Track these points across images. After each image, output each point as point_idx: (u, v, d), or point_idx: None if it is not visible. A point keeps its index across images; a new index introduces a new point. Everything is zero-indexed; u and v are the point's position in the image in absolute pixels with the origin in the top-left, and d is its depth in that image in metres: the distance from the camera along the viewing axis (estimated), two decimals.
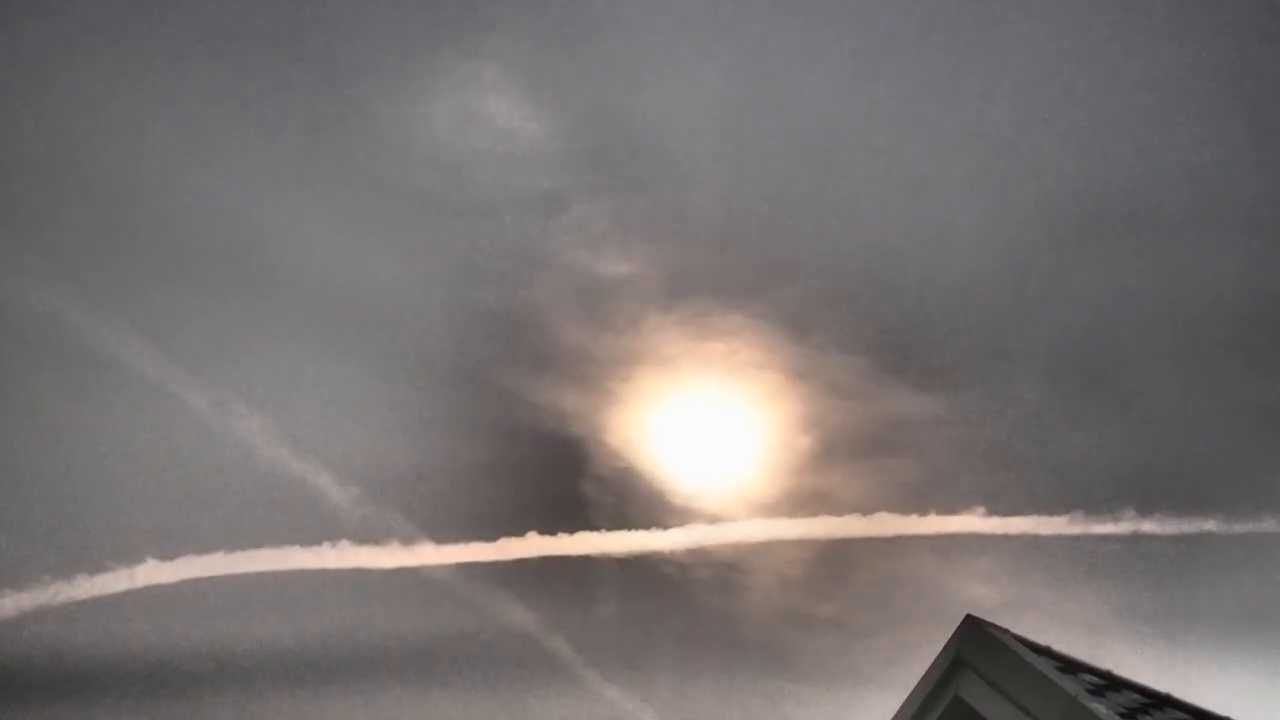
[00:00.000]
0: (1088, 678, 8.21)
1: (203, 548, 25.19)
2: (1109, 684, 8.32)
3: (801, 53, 25.02)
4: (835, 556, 26.99)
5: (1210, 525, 24.82)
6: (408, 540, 25.91)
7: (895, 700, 9.01)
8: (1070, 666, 8.27)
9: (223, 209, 25.13)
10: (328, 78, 25.02)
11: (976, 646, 8.32)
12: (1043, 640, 8.51)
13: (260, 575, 25.43)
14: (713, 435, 26.70)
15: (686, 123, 25.51)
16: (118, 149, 24.79)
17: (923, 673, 8.79)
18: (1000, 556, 26.15)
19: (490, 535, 26.08)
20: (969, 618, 8.54)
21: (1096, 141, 24.80)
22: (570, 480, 27.01)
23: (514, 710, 25.98)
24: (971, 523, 25.73)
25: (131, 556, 24.84)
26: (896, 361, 26.62)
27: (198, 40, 24.54)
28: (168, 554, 25.02)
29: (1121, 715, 7.52)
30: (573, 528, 26.15)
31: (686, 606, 26.93)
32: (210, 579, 25.25)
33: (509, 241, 26.11)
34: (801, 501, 26.50)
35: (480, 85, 24.99)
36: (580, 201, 25.91)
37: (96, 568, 24.68)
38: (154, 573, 24.94)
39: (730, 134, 25.60)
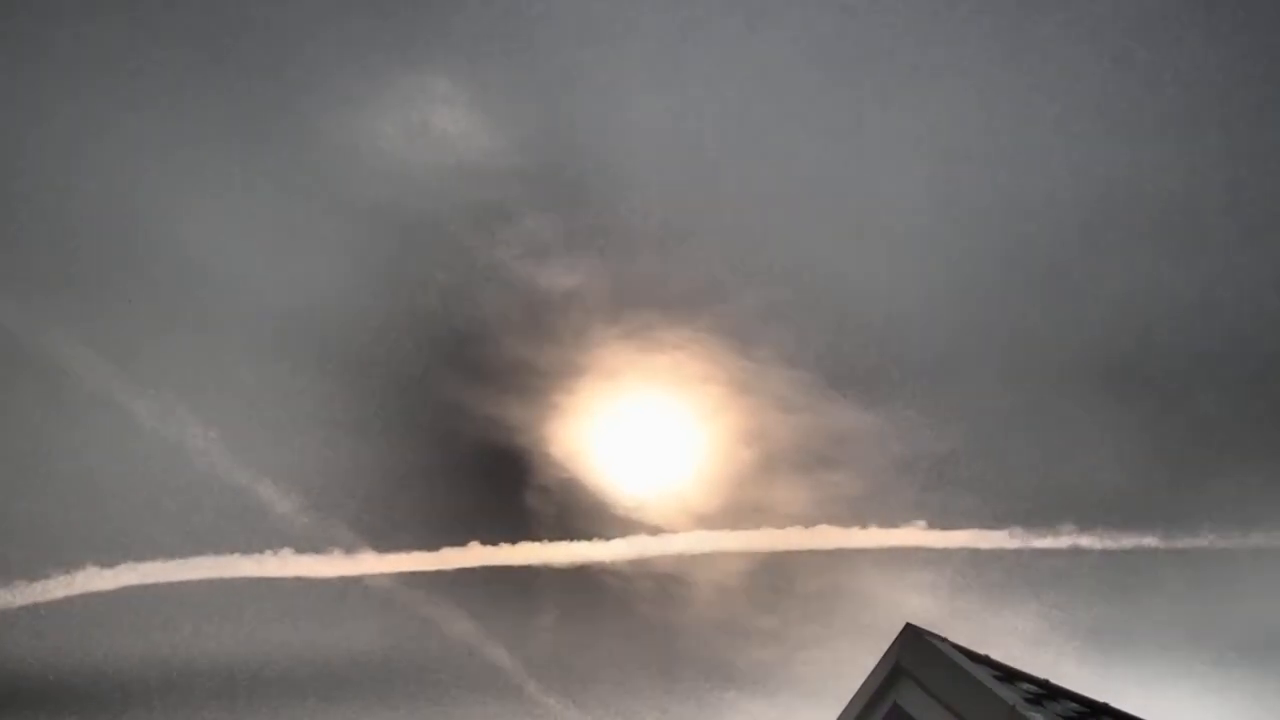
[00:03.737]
0: (1026, 687, 8.23)
1: (143, 555, 24.96)
2: (1047, 693, 8.34)
3: (750, 68, 25.12)
4: (777, 568, 27.04)
5: (1149, 540, 25.07)
6: (349, 549, 25.78)
7: (835, 711, 9.01)
8: (1008, 675, 8.28)
9: (166, 220, 24.90)
10: (271, 88, 24.87)
11: (916, 655, 8.33)
12: (982, 652, 8.53)
13: (201, 583, 25.20)
14: (656, 447, 26.72)
15: (634, 137, 25.52)
16: (58, 160, 24.53)
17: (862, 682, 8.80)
18: (941, 570, 26.29)
19: (432, 545, 25.98)
20: (908, 626, 8.55)
21: (1045, 156, 25.03)
22: (513, 491, 26.96)
23: (453, 719, 25.89)
24: (912, 536, 25.87)
25: (71, 563, 24.62)
26: (840, 376, 26.71)
27: (138, 50, 24.32)
28: (107, 561, 24.77)
29: None
30: (515, 538, 26.10)
31: (628, 617, 26.92)
32: (150, 586, 25.03)
33: (454, 253, 26.05)
34: (743, 514, 26.55)
35: (426, 97, 24.91)
36: (526, 213, 25.86)
37: (35, 574, 24.43)
38: (93, 580, 24.69)
39: (677, 148, 25.63)
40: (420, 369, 26.60)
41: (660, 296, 26.18)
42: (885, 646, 8.68)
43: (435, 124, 25.06)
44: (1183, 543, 24.96)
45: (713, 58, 25.18)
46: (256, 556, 25.32)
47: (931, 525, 25.71)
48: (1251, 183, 24.12)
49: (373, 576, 26.02)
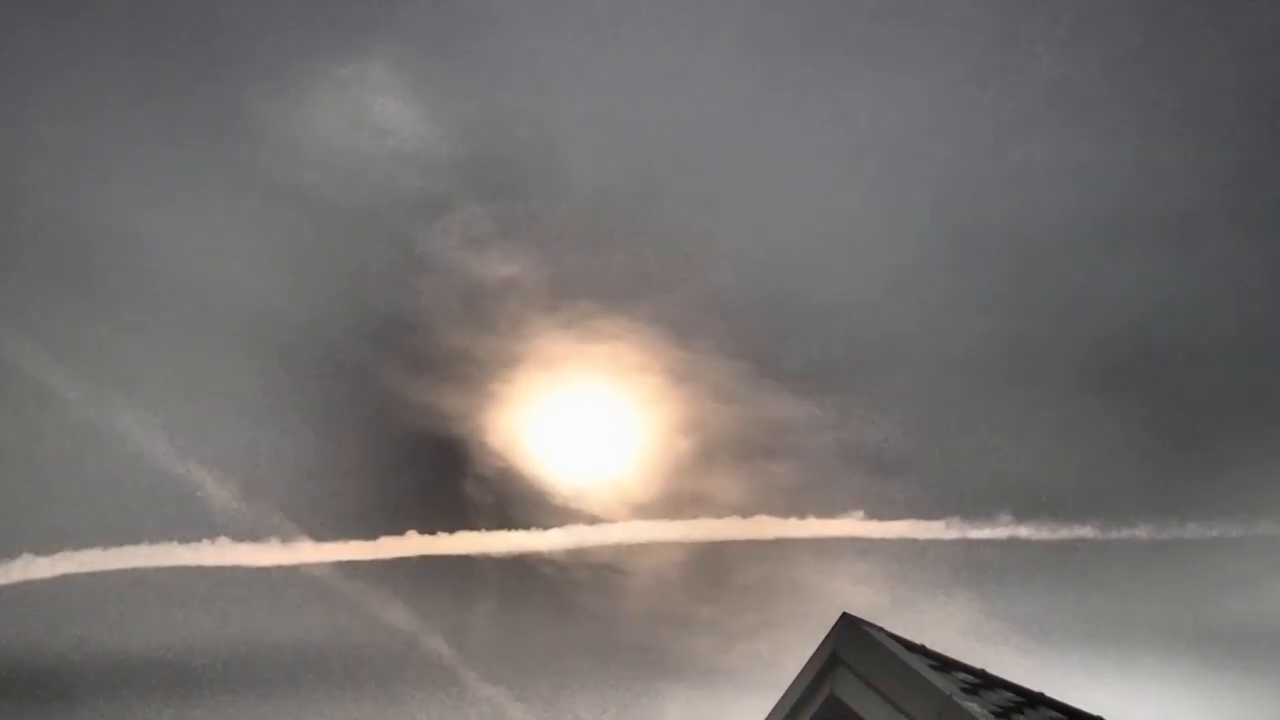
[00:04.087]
0: (962, 676, 8.20)
1: (80, 543, 24.77)
2: (983, 683, 8.32)
3: (690, 57, 25.06)
4: (714, 558, 27.08)
5: (1086, 531, 25.27)
6: (287, 538, 25.64)
7: (772, 700, 8.95)
8: (945, 665, 8.26)
9: (103, 209, 24.75)
10: (210, 78, 24.65)
11: (852, 644, 8.29)
12: (919, 642, 8.50)
13: (138, 571, 25.09)
14: (593, 437, 26.70)
15: (572, 126, 25.46)
16: None
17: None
18: (878, 560, 26.41)
19: (370, 534, 25.89)
20: (845, 616, 8.51)
21: (983, 150, 25.14)
22: (450, 480, 26.89)
23: (392, 710, 25.77)
24: (850, 526, 25.95)
25: (7, 551, 24.42)
26: (778, 366, 26.78)
27: (78, 42, 24.08)
28: (44, 549, 24.59)
29: (995, 714, 7.50)
30: (453, 527, 26.01)
31: (565, 607, 26.86)
32: (87, 575, 24.86)
33: (391, 242, 25.93)
34: (681, 503, 26.56)
35: (365, 86, 24.78)
36: (464, 203, 25.76)
37: None
38: (30, 568, 24.51)
39: (616, 137, 25.58)
40: (358, 358, 26.49)
41: (598, 286, 26.15)
42: (823, 637, 8.63)
43: (374, 114, 24.93)
44: (1119, 534, 25.20)
45: (652, 48, 25.14)
46: (194, 545, 25.17)
47: (869, 516, 25.81)
48: (1180, 175, 24.37)
49: (310, 565, 25.91)
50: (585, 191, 25.84)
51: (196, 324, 25.82)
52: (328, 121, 25.01)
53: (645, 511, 26.40)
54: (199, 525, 25.19)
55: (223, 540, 25.22)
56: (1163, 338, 25.36)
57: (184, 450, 25.11)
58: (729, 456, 27.17)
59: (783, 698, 8.78)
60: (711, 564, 27.21)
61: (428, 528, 25.82)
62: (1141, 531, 25.16)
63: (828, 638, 8.50)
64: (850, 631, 8.37)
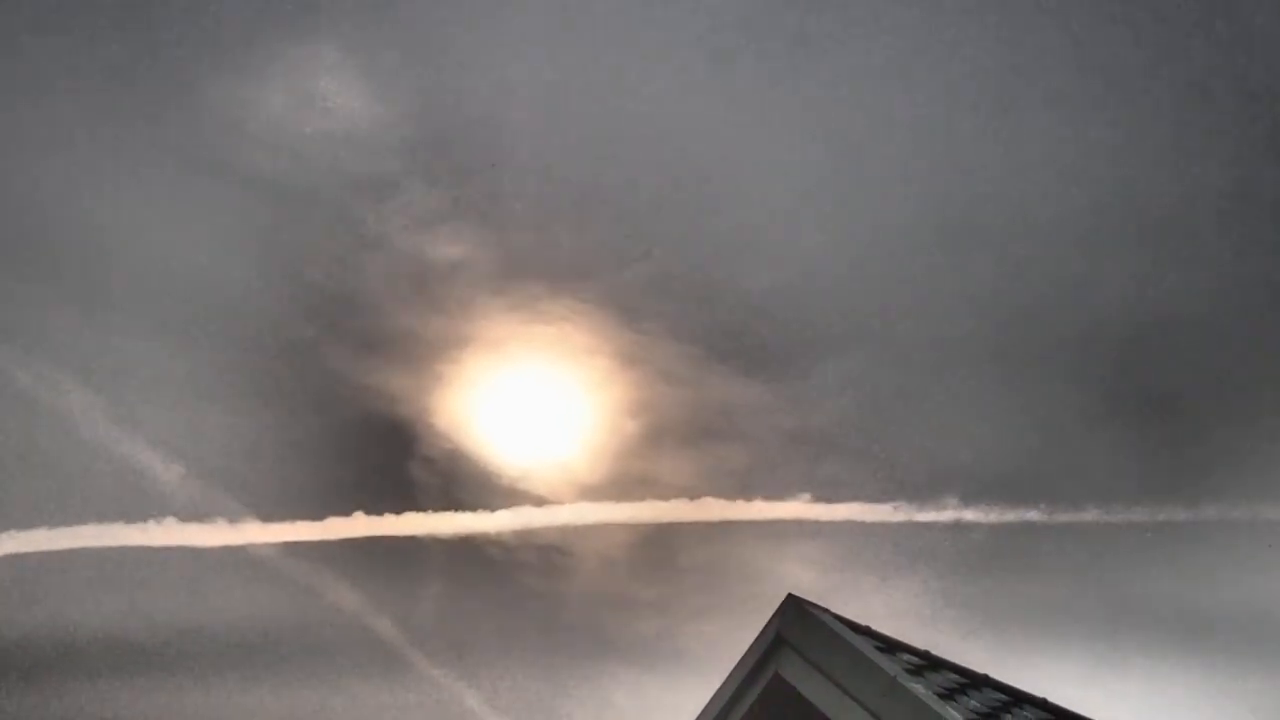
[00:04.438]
0: (907, 658, 8.22)
1: (25, 523, 24.59)
2: (928, 664, 8.35)
3: (640, 39, 25.00)
4: (662, 540, 27.13)
5: (1032, 515, 25.46)
6: (233, 518, 25.53)
7: (719, 682, 8.93)
8: (890, 646, 8.28)
9: (47, 189, 24.51)
10: (157, 58, 24.40)
11: (797, 626, 8.27)
12: (865, 624, 8.50)
13: (84, 551, 24.92)
14: (541, 419, 26.67)
15: (521, 108, 25.37)
16: None
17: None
18: (825, 543, 26.53)
19: (317, 514, 25.78)
20: (790, 597, 8.50)
21: (940, 139, 25.22)
22: (397, 461, 26.81)
23: (338, 691, 25.72)
24: (797, 509, 26.04)
25: None
26: (725, 349, 26.82)
27: (22, 22, 23.76)
28: None
29: (940, 694, 7.51)
30: (399, 508, 25.94)
31: (512, 588, 26.85)
32: (34, 554, 24.69)
33: (339, 223, 25.81)
34: (629, 485, 26.58)
35: (314, 67, 24.60)
36: (412, 184, 25.65)
37: None
38: None
39: (565, 119, 25.51)
40: (305, 338, 26.36)
41: (547, 268, 26.10)
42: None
43: (322, 94, 24.75)
44: (1065, 517, 25.40)
45: (601, 30, 25.05)
46: (140, 525, 25.04)
47: (816, 498, 25.91)
48: (1141, 173, 24.55)
49: (257, 546, 25.80)
50: (535, 173, 25.78)
51: (143, 304, 25.67)
52: (274, 102, 24.86)
53: (592, 493, 26.41)
54: (145, 505, 25.12)
55: (169, 520, 25.12)
56: (1108, 321, 25.57)
57: (131, 430, 24.98)
58: (676, 439, 27.22)
59: (728, 678, 8.76)
60: (659, 546, 27.28)
61: (375, 509, 25.78)
62: (1086, 516, 25.39)
63: (773, 619, 8.49)
64: (795, 613, 8.36)
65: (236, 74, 24.58)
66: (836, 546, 26.50)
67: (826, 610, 8.36)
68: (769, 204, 25.67)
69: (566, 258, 26.27)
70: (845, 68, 24.63)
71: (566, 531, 26.47)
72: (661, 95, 25.30)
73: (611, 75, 25.22)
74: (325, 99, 24.75)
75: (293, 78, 24.65)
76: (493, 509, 26.15)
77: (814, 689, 7.91)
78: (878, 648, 7.94)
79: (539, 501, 26.20)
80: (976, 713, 7.75)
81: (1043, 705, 8.63)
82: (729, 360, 26.89)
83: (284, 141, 25.05)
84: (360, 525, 25.69)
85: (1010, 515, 25.51)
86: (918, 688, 7.21)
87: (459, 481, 26.52)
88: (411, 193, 25.61)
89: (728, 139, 25.46)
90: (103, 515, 24.86)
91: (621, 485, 26.48)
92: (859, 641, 7.84)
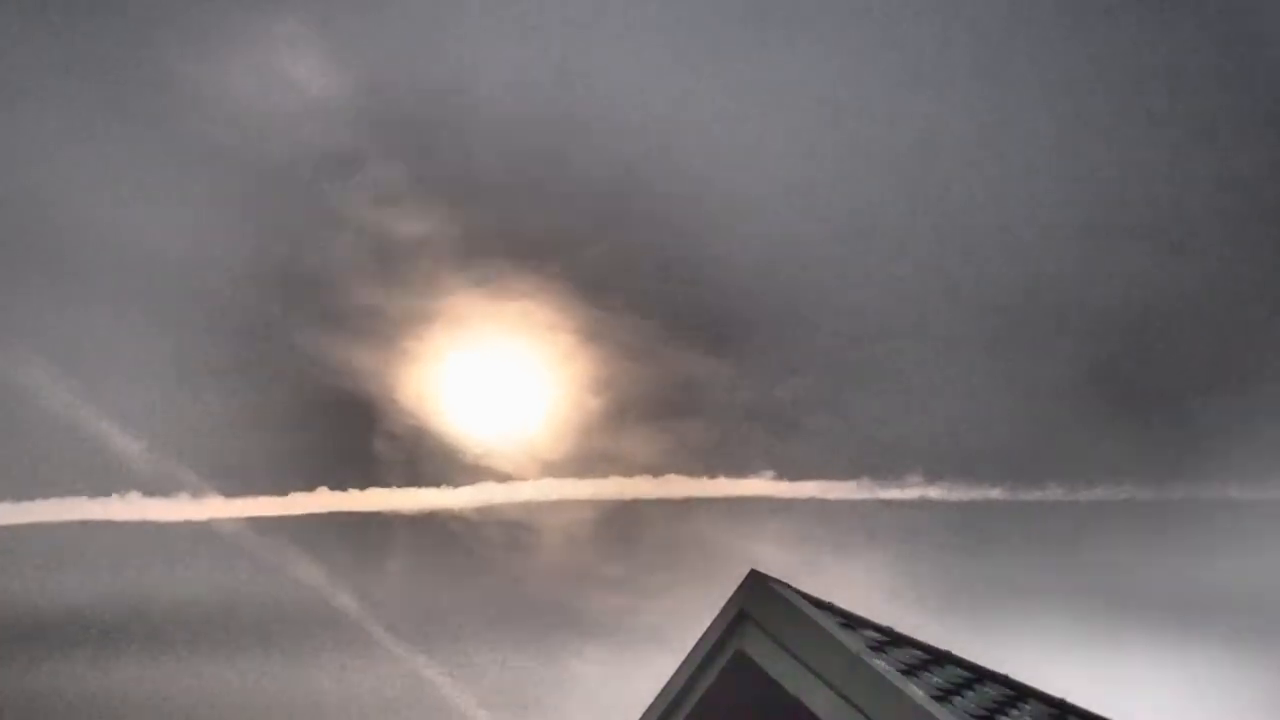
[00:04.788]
0: (870, 634, 8.22)
1: None
2: (890, 640, 8.35)
3: (606, 14, 24.90)
4: (625, 517, 27.18)
5: (995, 493, 25.59)
6: (197, 493, 25.47)
7: (682, 657, 8.92)
8: (853, 623, 8.29)
9: (11, 162, 24.31)
10: (120, 31, 24.20)
11: (759, 601, 8.26)
12: (828, 600, 8.50)
13: (46, 526, 24.93)
14: (505, 395, 26.66)
15: (485, 83, 25.30)
16: None
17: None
18: (788, 519, 26.61)
19: (280, 490, 25.76)
20: (753, 573, 8.48)
21: (897, 114, 25.23)
22: (361, 437, 26.82)
23: (301, 666, 25.71)
24: (760, 486, 26.12)
25: None
26: (689, 326, 26.86)
27: None
28: None
29: (902, 670, 7.50)
30: (363, 484, 25.92)
31: (475, 564, 26.89)
32: None
33: (304, 198, 25.71)
34: (592, 462, 26.61)
35: (278, 42, 24.46)
36: (377, 160, 25.58)
37: None
38: None
39: (530, 94, 25.44)
40: (270, 314, 26.28)
41: (510, 244, 26.09)
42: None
43: (286, 68, 24.60)
44: (1028, 495, 25.55)
45: (566, 7, 24.97)
46: (102, 500, 25.03)
47: (780, 475, 25.99)
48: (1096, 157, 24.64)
49: (221, 521, 25.79)
50: (499, 149, 25.71)
51: (107, 279, 25.58)
52: (238, 77, 24.72)
53: (556, 469, 26.43)
54: (109, 480, 25.11)
55: (133, 495, 25.08)
56: (1072, 300, 25.69)
57: (94, 405, 24.89)
58: (640, 415, 27.27)
59: (690, 653, 8.75)
60: (622, 522, 27.32)
61: (338, 484, 25.76)
62: (1050, 494, 25.54)
63: (735, 594, 8.47)
64: (758, 588, 8.35)
65: (198, 50, 24.43)
66: (799, 523, 26.60)
67: (789, 586, 8.34)
68: (732, 182, 25.67)
69: (530, 234, 26.24)
70: (806, 45, 24.61)
71: (530, 508, 26.49)
72: (625, 73, 25.23)
73: (578, 51, 25.14)
74: (291, 74, 24.65)
75: (255, 54, 24.52)
76: (456, 485, 26.17)
77: (777, 664, 7.89)
78: (840, 624, 7.94)
79: (502, 478, 26.22)
80: (939, 688, 7.75)
81: (1004, 681, 8.65)
82: (691, 337, 26.95)
83: (248, 119, 24.98)
84: (324, 500, 25.69)
85: (972, 493, 25.66)
86: (880, 663, 7.21)
87: (423, 457, 26.53)
88: (377, 168, 25.54)
89: (690, 117, 25.44)
90: (65, 490, 24.86)
91: (585, 461, 26.52)
92: (821, 617, 7.82)
